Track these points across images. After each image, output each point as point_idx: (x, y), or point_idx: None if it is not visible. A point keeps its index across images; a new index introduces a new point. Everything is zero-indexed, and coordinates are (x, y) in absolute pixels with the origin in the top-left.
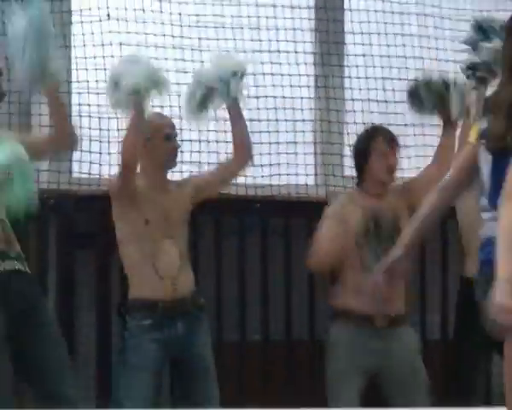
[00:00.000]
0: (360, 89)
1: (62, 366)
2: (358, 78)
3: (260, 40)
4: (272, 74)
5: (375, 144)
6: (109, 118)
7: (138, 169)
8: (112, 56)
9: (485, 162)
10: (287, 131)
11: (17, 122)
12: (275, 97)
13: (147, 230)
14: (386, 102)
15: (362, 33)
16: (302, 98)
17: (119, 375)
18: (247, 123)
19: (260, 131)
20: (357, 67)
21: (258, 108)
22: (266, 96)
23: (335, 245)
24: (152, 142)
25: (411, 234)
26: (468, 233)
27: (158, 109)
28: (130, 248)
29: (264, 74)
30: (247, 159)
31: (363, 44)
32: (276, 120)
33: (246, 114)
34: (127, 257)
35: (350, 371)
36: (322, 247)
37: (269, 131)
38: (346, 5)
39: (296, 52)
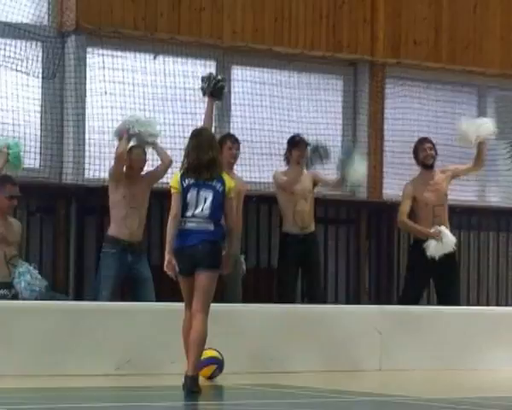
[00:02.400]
0: None
1: None
2: None
3: None
4: None
5: None
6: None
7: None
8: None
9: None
10: None
11: None
12: None
13: (122, 200)
14: None
15: None
16: None
17: (96, 280)
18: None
19: None
20: None
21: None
22: None
23: None
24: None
25: None
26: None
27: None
28: (114, 209)
29: None
30: (166, 165)
31: None
32: None
33: None
34: (112, 213)
35: None
36: None
37: None
38: None
39: None
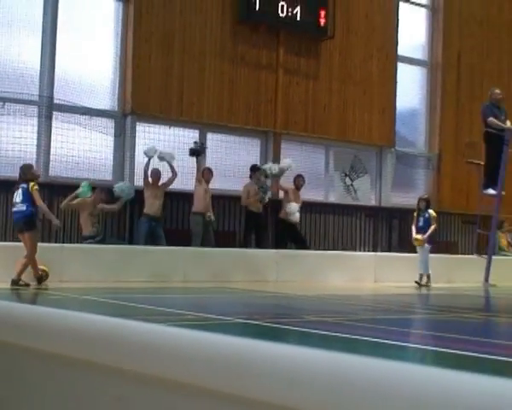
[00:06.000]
0: None
1: None
2: None
3: None
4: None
5: None
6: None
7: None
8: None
9: None
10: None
11: None
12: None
13: (150, 196)
14: None
15: None
16: None
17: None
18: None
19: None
20: None
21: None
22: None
23: None
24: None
25: None
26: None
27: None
28: (147, 200)
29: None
30: (173, 177)
31: None
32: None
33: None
34: (146, 201)
35: None
36: None
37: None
38: None
39: None
